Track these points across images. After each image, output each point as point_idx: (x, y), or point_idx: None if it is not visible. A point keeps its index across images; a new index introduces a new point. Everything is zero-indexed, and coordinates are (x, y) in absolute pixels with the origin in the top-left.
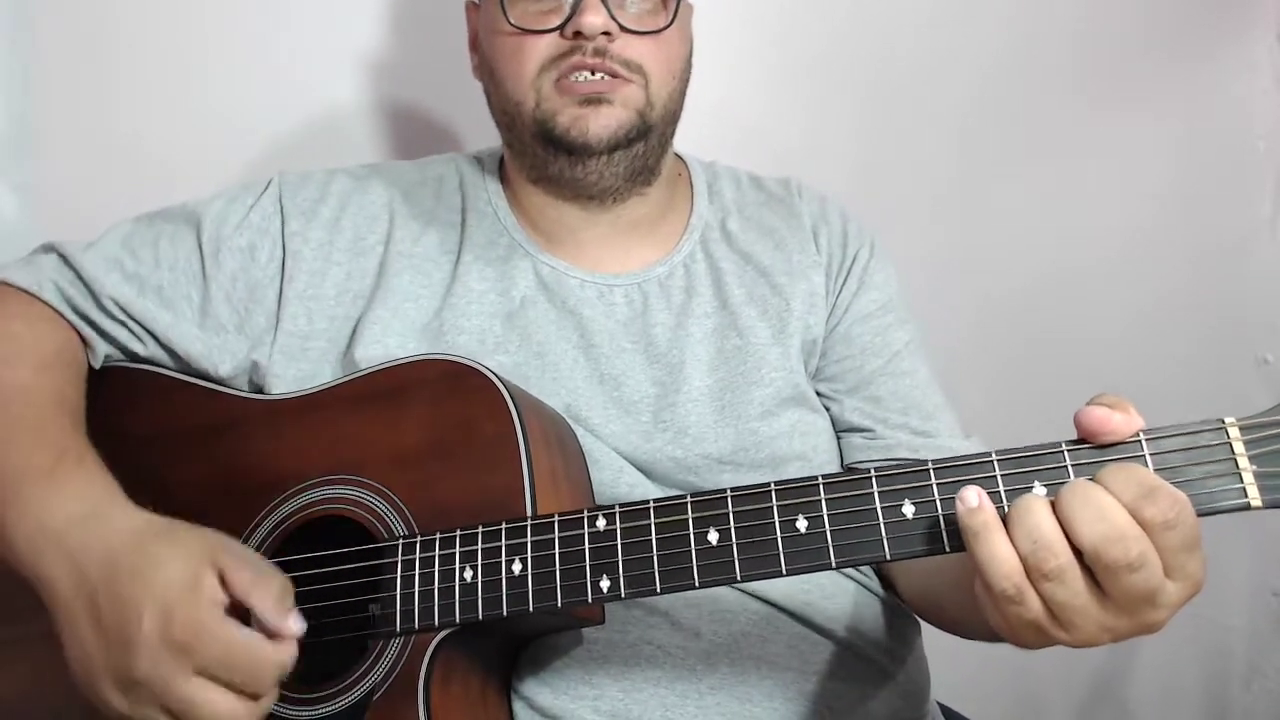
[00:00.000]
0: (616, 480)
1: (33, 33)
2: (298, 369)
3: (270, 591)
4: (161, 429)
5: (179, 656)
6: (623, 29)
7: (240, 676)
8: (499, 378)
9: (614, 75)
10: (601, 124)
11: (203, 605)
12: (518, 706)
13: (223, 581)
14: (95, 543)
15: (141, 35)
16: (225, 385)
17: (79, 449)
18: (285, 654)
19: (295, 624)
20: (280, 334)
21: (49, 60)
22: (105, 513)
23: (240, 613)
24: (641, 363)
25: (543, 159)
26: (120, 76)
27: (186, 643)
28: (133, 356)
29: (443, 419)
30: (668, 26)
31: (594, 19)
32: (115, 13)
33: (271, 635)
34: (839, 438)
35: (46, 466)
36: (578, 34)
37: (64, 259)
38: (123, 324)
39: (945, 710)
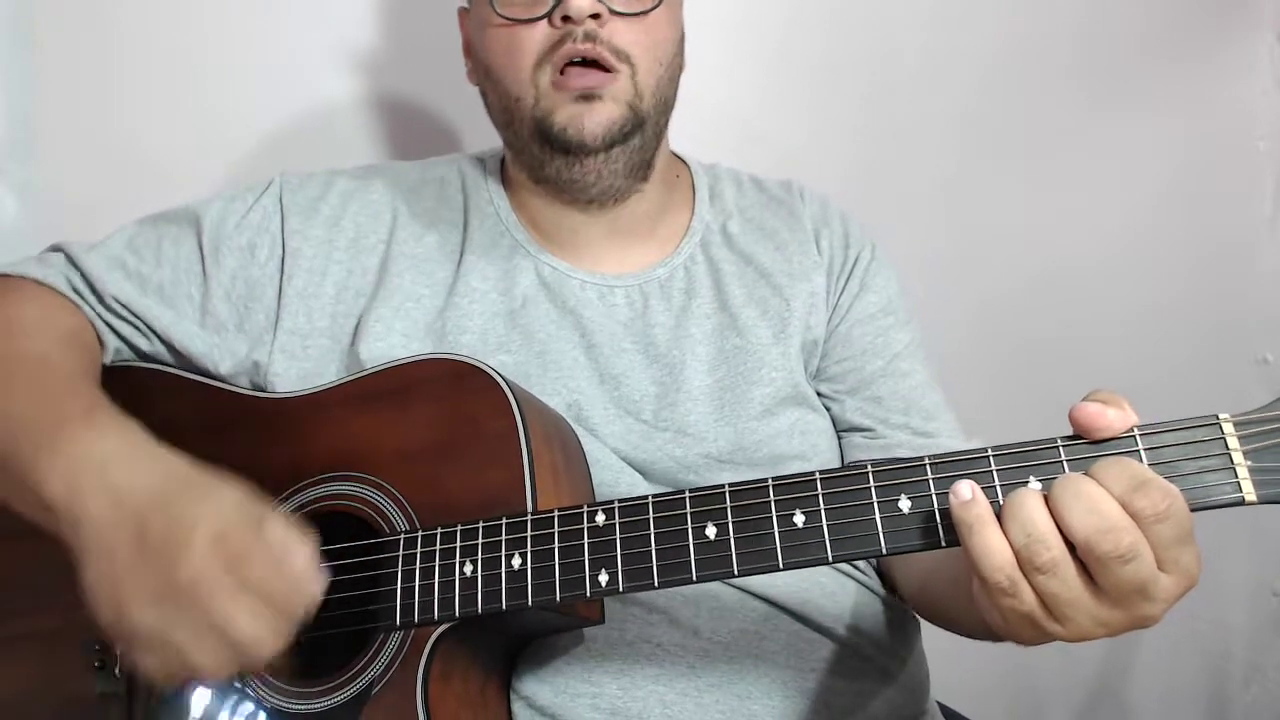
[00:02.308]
0: (617, 480)
1: (33, 33)
2: (299, 368)
3: (304, 549)
4: (168, 426)
5: (228, 567)
6: (611, 11)
7: (278, 600)
8: (502, 376)
9: (603, 66)
10: (596, 120)
11: (258, 532)
12: (517, 706)
13: None
14: (142, 476)
15: (141, 35)
16: (229, 383)
17: (109, 406)
18: (317, 588)
19: (322, 580)
20: (280, 332)
21: (49, 60)
22: (151, 451)
23: None
24: (642, 363)
25: (540, 159)
26: (120, 76)
27: (238, 556)
28: (138, 352)
29: (446, 417)
30: (655, 7)
31: (580, 2)
32: (115, 13)
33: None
34: (840, 437)
35: (82, 412)
36: (566, 19)
37: (70, 259)
38: (127, 320)
39: (944, 710)
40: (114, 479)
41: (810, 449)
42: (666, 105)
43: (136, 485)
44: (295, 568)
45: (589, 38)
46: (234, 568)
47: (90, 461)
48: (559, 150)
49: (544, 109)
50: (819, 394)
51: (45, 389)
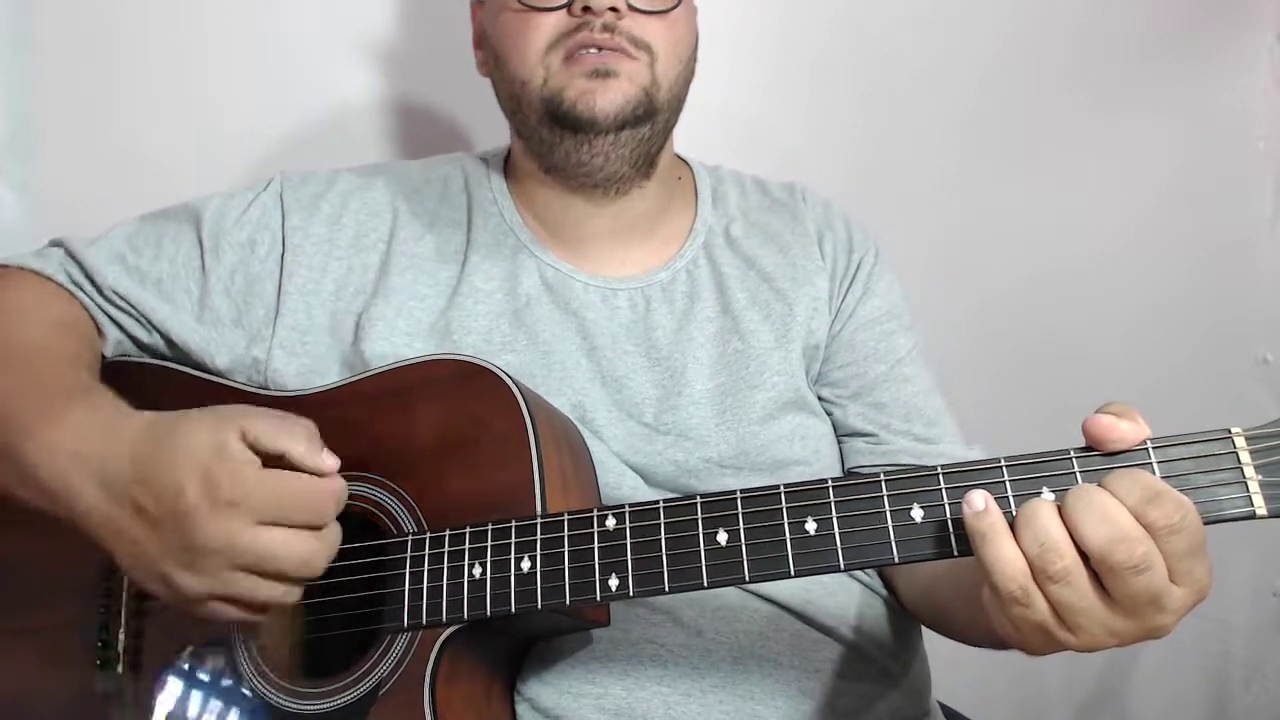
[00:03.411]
0: (620, 483)
1: (33, 33)
2: (299, 364)
3: (299, 436)
4: None
5: (233, 513)
6: (631, 7)
7: (299, 514)
8: (510, 377)
9: (621, 51)
10: (609, 98)
11: (236, 461)
12: (521, 708)
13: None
14: (112, 446)
15: (141, 35)
16: (229, 379)
17: (88, 385)
18: (337, 483)
19: (330, 459)
20: (279, 328)
21: (49, 60)
22: (113, 418)
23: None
24: (643, 365)
25: (549, 143)
26: (120, 76)
27: (236, 498)
28: (138, 343)
29: (454, 417)
30: (675, 7)
31: None
32: (115, 13)
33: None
34: (841, 442)
35: (62, 396)
36: (586, 9)
37: (69, 253)
38: (126, 312)
39: (946, 710)
40: (92, 462)
41: (812, 454)
42: (678, 104)
43: (112, 457)
44: (291, 479)
45: (607, 29)
46: (239, 507)
47: (66, 446)
48: (568, 128)
49: (553, 87)
50: (821, 399)
51: (33, 378)
